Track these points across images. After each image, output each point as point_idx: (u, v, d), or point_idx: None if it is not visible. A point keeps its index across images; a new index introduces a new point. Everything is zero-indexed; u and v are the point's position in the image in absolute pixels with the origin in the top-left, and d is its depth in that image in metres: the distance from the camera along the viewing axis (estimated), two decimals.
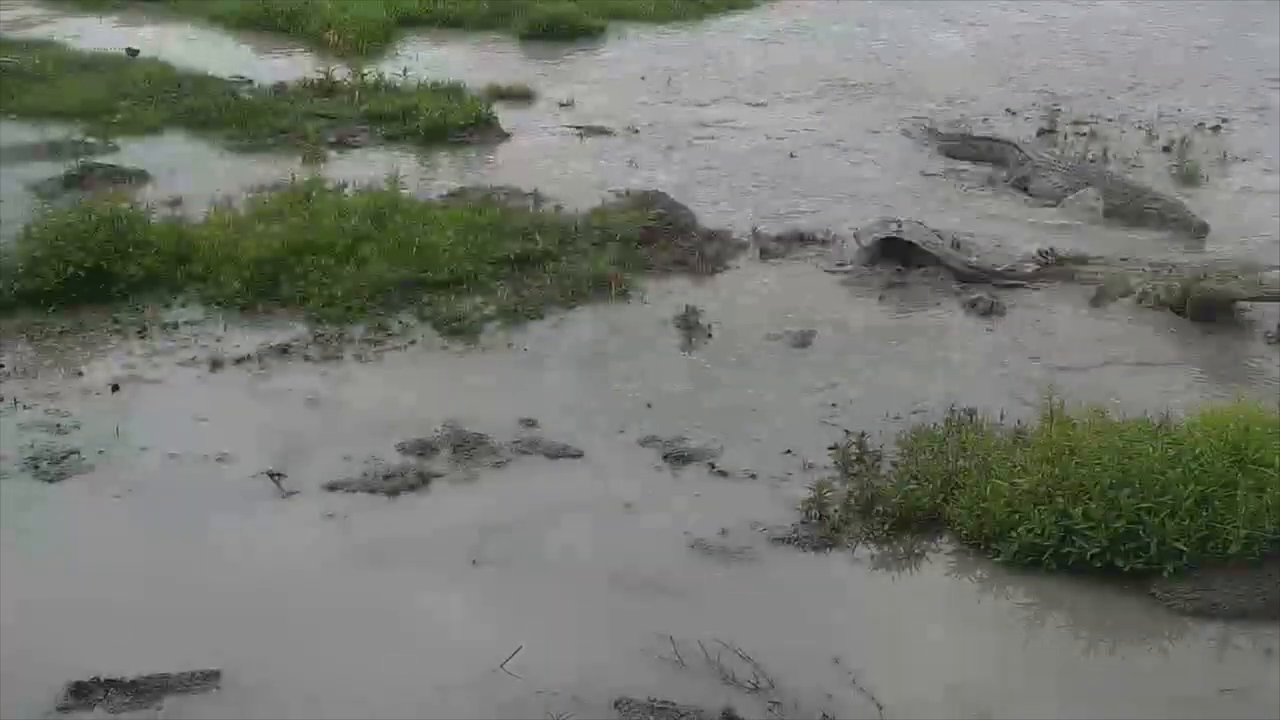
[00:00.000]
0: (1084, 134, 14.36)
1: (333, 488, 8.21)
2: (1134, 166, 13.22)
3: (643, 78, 17.52)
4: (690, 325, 10.46)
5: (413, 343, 10.21)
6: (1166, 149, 13.71)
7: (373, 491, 8.22)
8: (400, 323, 10.46)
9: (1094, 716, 6.48)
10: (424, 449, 8.70)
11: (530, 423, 9.08)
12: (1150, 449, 7.79)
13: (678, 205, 12.60)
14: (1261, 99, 15.70)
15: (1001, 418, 8.82)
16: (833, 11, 21.06)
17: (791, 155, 14.43)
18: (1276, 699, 6.51)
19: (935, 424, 8.76)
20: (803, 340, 10.27)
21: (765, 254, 11.85)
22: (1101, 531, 7.40)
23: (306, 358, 9.82)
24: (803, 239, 12.07)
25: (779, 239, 12.09)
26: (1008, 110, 15.28)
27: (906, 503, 7.95)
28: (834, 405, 9.30)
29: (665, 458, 8.72)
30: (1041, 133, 14.56)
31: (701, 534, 7.87)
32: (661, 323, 10.58)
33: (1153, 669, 6.84)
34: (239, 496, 8.11)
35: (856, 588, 7.49)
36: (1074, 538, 7.46)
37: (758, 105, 16.32)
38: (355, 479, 8.31)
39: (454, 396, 9.38)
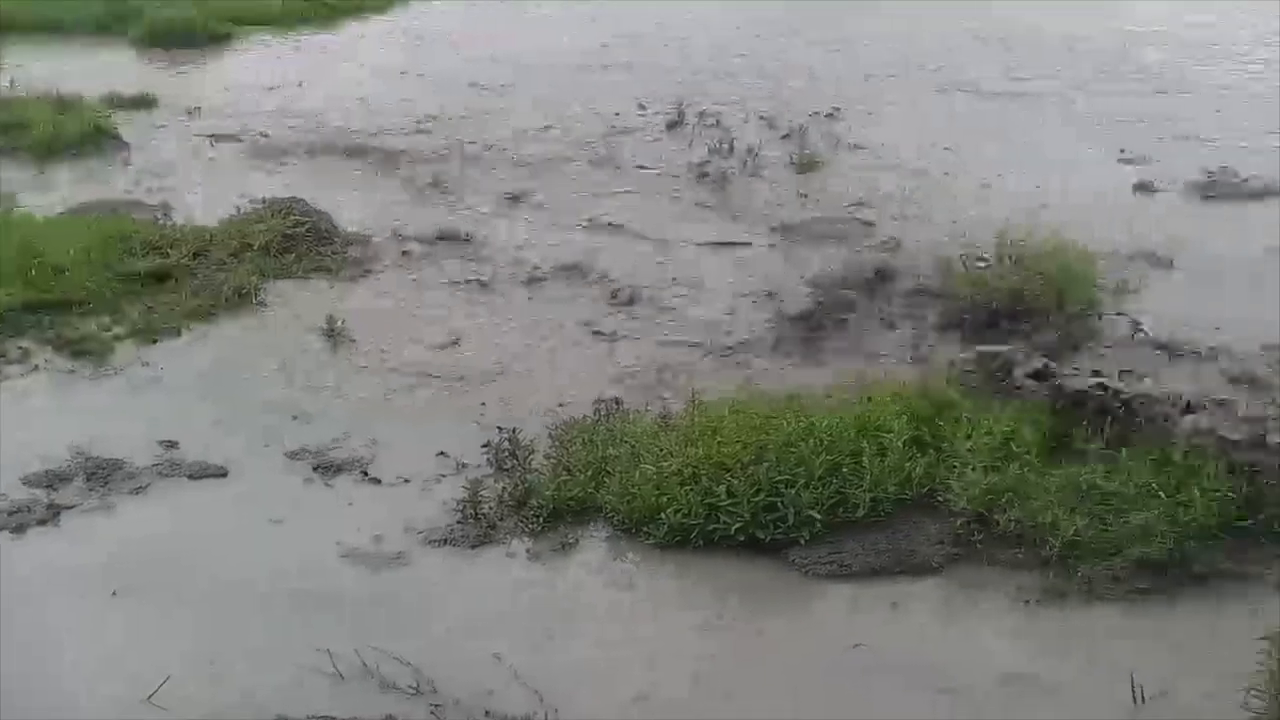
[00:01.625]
0: (711, 125, 14.91)
1: None
2: (757, 154, 13.82)
3: (272, 88, 17.05)
4: (334, 333, 10.28)
5: (35, 369, 9.63)
6: (786, 136, 14.43)
7: None
8: (20, 348, 9.85)
9: (740, 680, 6.75)
10: (53, 480, 8.24)
11: (170, 444, 8.74)
12: (785, 424, 8.19)
13: (317, 211, 12.34)
14: (870, 90, 16.69)
15: (646, 406, 9.05)
16: (466, 14, 21.08)
17: (444, 154, 14.36)
18: (901, 647, 6.96)
19: (585, 416, 8.91)
20: (449, 341, 10.25)
21: (408, 256, 11.77)
22: (744, 506, 7.74)
23: None
24: (445, 239, 12.04)
25: (423, 241, 12.03)
26: (640, 105, 15.70)
27: (560, 494, 8.08)
28: (483, 404, 9.32)
29: (315, 469, 8.56)
30: (670, 125, 15.04)
31: (355, 543, 7.77)
32: (305, 331, 10.36)
33: (791, 631, 7.18)
34: None
35: (513, 582, 7.55)
36: (719, 514, 7.76)
37: (394, 109, 16.15)
38: None
39: (84, 422, 8.91)
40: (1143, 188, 12.80)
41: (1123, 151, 13.69)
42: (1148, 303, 10.41)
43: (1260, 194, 12.50)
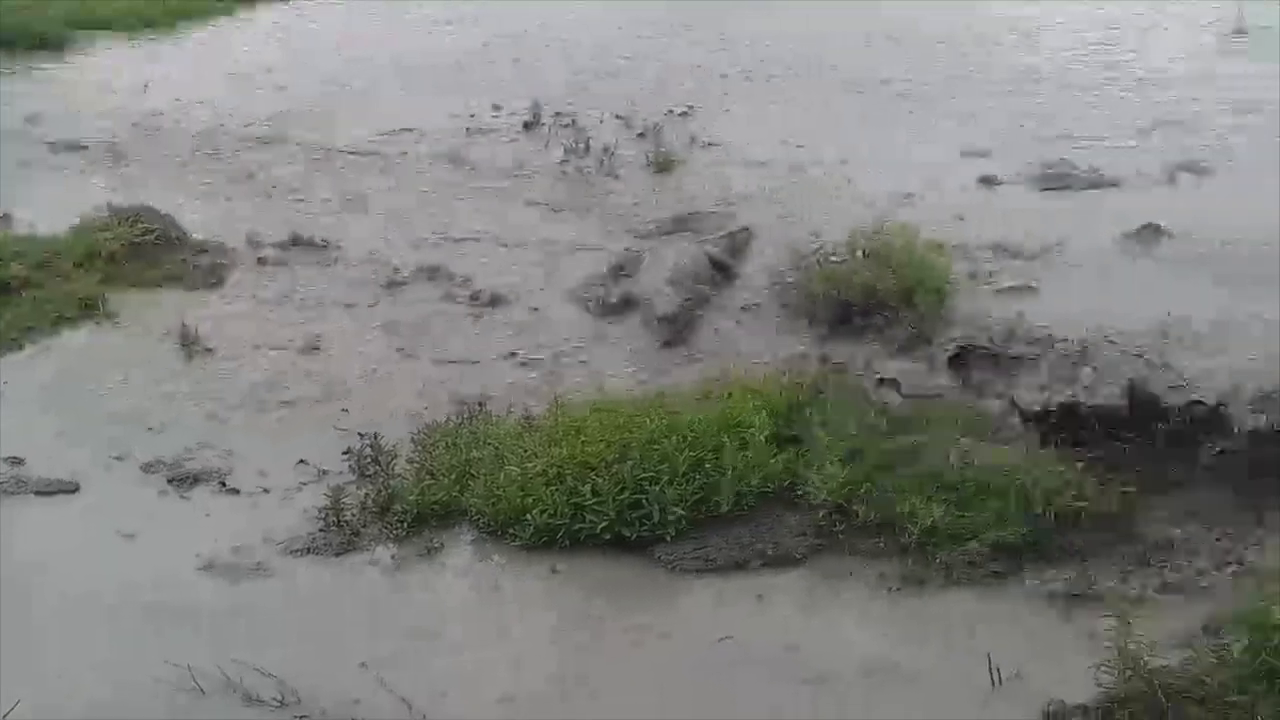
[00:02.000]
0: (566, 125, 14.93)
1: None
2: (613, 154, 13.87)
3: (116, 91, 16.62)
4: (187, 342, 10.05)
5: None
6: (641, 135, 14.51)
7: None
8: None
9: (607, 678, 6.78)
10: None
11: (16, 460, 8.48)
12: (648, 422, 8.24)
13: (165, 218, 12.04)
14: (723, 87, 16.85)
15: (510, 408, 9.02)
16: (340, 14, 20.77)
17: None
18: (766, 639, 7.04)
19: (448, 419, 8.85)
20: (308, 347, 10.10)
21: (263, 263, 11.56)
22: (609, 505, 7.76)
23: None
24: (300, 244, 11.85)
25: (277, 246, 11.82)
26: (495, 106, 15.65)
27: (424, 498, 8.02)
28: (344, 410, 9.20)
29: (171, 481, 8.38)
30: (526, 126, 15.02)
31: (213, 555, 7.61)
32: (157, 341, 10.13)
33: (657, 627, 7.21)
34: None
35: (378, 589, 7.48)
36: (585, 514, 7.77)
37: (247, 111, 15.86)
38: None
39: None
40: (987, 181, 13.12)
41: (967, 145, 13.99)
42: (996, 292, 10.67)
43: (1097, 184, 12.90)
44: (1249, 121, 14.13)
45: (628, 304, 10.74)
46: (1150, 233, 11.43)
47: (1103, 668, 6.33)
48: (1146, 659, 6.23)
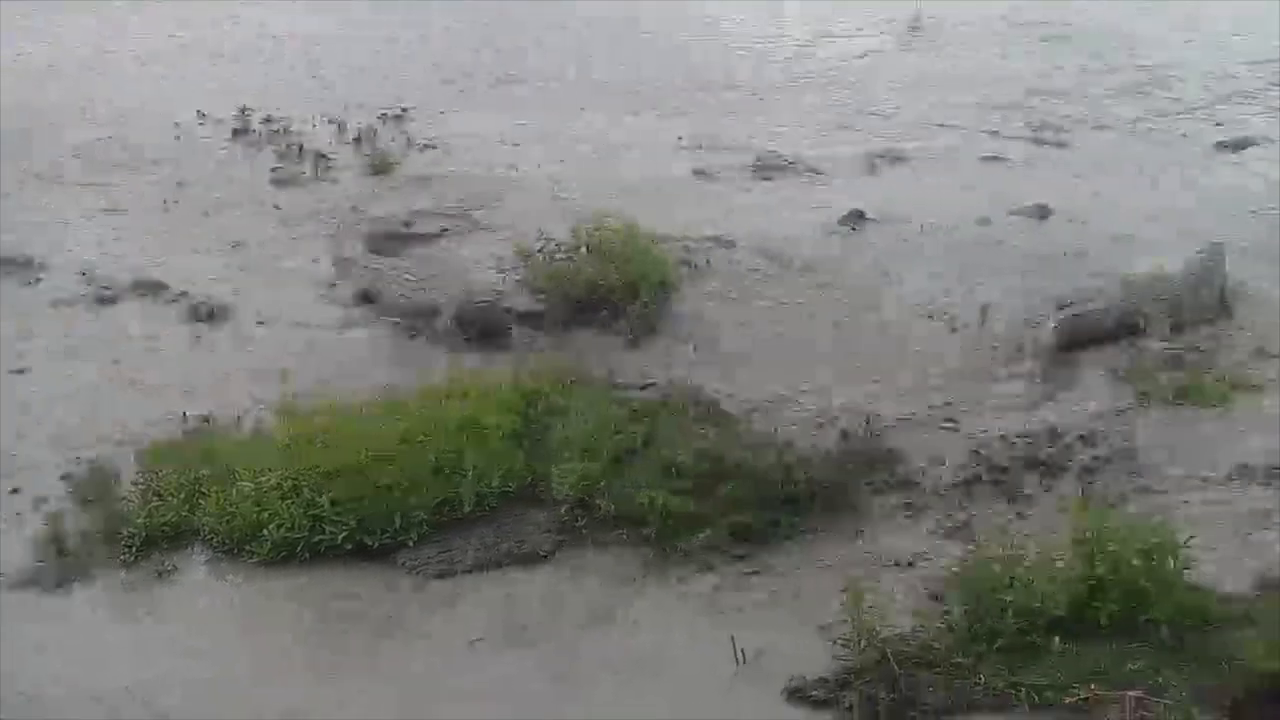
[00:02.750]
0: (277, 131, 14.51)
1: None
2: (330, 162, 13.60)
3: None
4: None
5: None
6: (357, 140, 14.23)
7: None
8: None
9: (353, 687, 6.71)
10: None
11: None
12: (385, 428, 8.15)
13: None
14: (440, 88, 16.65)
15: (239, 420, 8.77)
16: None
17: None
18: (517, 637, 7.08)
19: (175, 436, 8.54)
20: (17, 369, 9.54)
21: None
22: (349, 514, 7.65)
23: None
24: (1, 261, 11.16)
25: None
26: (199, 113, 15.03)
27: (152, 521, 7.72)
28: (60, 433, 8.74)
29: None
30: (235, 133, 14.52)
31: None
32: None
33: (404, 634, 7.14)
34: None
35: (107, 617, 7.16)
36: (324, 525, 7.64)
37: None
38: None
39: None
40: (701, 174, 13.45)
41: (680, 139, 14.33)
42: (715, 282, 11.00)
43: (803, 174, 13.41)
44: (937, 115, 14.95)
45: (365, 304, 10.67)
46: (854, 219, 12.03)
47: (840, 640, 6.65)
48: (879, 629, 6.58)
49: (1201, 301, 10.17)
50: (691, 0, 20.16)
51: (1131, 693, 5.98)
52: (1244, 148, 13.58)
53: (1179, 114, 14.67)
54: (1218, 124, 14.35)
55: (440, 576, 7.57)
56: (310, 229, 12.11)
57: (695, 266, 11.19)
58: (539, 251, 11.04)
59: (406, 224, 12.18)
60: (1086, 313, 9.99)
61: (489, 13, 19.79)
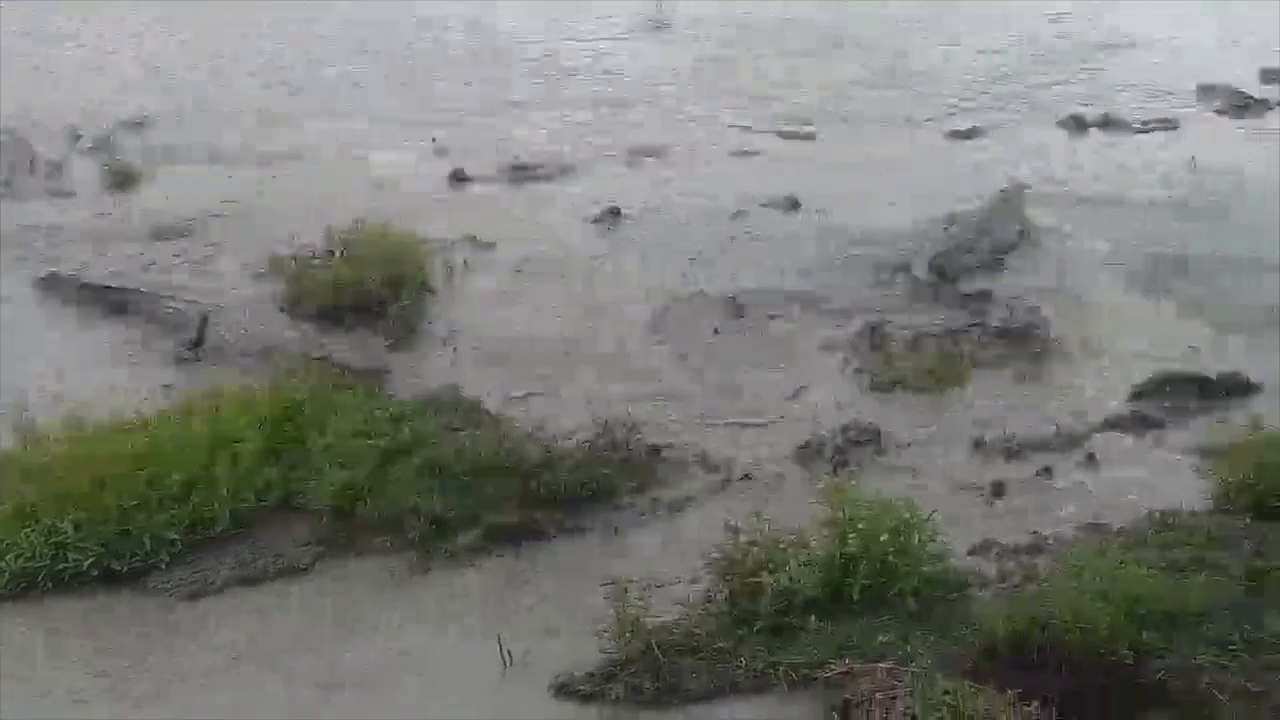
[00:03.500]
0: (3, 139, 13.77)
1: None
2: (63, 169, 13.00)
3: None
4: None
5: None
6: (94, 148, 13.65)
7: None
8: None
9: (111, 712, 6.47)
10: None
11: None
12: (128, 446, 7.83)
13: None
14: (179, 92, 16.08)
15: None
16: None
17: None
18: (283, 650, 6.90)
19: None
20: None
21: None
22: (93, 540, 7.35)
23: None
24: None
25: None
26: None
27: None
28: None
29: None
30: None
31: None
32: None
33: (163, 660, 6.90)
34: None
35: None
36: (67, 552, 7.32)
37: None
38: None
39: None
40: (457, 176, 13.37)
41: (434, 140, 14.20)
42: (475, 283, 10.96)
43: (559, 172, 13.47)
44: (688, 110, 15.19)
45: (116, 314, 10.28)
46: (611, 215, 12.14)
47: (605, 634, 6.70)
48: (644, 620, 6.65)
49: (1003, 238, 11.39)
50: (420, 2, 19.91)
51: (882, 665, 6.20)
52: (972, 137, 14.26)
53: (917, 106, 15.23)
54: (951, 114, 14.98)
55: (193, 598, 7.33)
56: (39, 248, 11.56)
57: (454, 269, 11.13)
58: (292, 259, 10.81)
59: (155, 236, 11.78)
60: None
61: (231, 10, 19.25)
